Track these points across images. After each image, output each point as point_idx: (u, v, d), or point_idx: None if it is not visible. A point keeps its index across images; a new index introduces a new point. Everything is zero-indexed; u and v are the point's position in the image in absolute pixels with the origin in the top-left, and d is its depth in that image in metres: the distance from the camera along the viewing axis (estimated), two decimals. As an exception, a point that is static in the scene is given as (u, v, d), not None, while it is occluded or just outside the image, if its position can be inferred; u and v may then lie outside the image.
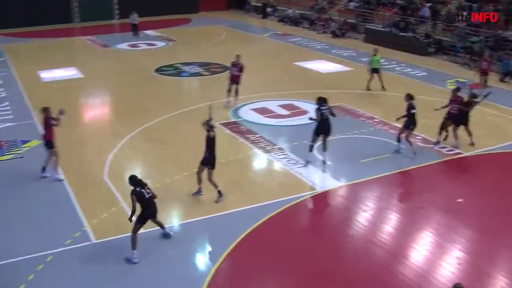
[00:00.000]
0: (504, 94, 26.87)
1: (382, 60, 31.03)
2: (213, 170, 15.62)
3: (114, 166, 18.19)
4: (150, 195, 13.01)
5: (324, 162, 17.95)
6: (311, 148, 18.05)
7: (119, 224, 14.17)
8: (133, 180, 13.04)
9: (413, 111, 18.29)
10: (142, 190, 12.91)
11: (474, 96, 19.85)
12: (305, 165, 17.91)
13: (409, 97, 18.59)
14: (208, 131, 15.51)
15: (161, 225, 13.70)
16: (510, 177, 17.85)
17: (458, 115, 19.49)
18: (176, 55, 36.32)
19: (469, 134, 19.67)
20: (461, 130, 19.53)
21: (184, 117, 22.54)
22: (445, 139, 19.91)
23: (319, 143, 18.18)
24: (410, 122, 18.43)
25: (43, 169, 17.42)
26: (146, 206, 12.99)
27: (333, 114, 17.92)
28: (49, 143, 17.24)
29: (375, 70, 27.06)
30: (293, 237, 14.07)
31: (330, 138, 18.09)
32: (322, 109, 17.68)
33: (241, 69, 24.00)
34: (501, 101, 24.95)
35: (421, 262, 12.92)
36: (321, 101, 17.85)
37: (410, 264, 12.76)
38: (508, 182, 17.46)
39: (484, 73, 27.52)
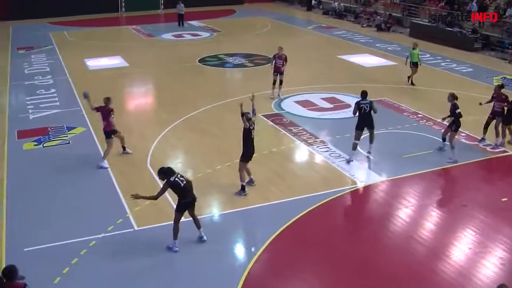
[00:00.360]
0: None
1: (428, 55, 30.83)
2: (243, 162, 15.57)
3: (157, 155, 18.38)
4: (185, 182, 12.90)
5: (368, 153, 17.98)
6: (354, 146, 17.77)
7: (161, 213, 14.35)
8: (163, 171, 12.92)
9: (458, 110, 17.77)
10: (176, 179, 12.80)
11: None
12: (347, 162, 17.81)
13: (453, 97, 18.10)
14: (243, 120, 15.36)
15: (197, 223, 13.33)
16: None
17: (503, 113, 19.17)
18: (220, 46, 36.47)
19: (511, 132, 19.41)
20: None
21: (227, 108, 22.61)
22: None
23: (364, 136, 18.04)
24: (454, 122, 17.97)
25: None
26: (183, 195, 12.89)
27: (373, 109, 17.50)
28: (107, 133, 17.54)
29: (414, 64, 26.85)
30: (333, 231, 14.10)
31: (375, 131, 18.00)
32: (361, 104, 17.46)
33: (285, 60, 24.05)
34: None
35: (463, 260, 12.79)
36: (362, 95, 17.62)
37: (451, 262, 12.63)
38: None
39: None
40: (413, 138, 19.84)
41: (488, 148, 19.11)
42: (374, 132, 17.94)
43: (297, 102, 23.78)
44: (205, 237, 13.32)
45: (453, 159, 17.93)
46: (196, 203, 13.16)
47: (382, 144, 19.05)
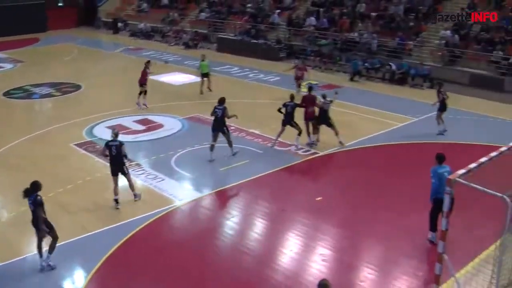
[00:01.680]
0: (354, 93, 27.97)
1: (236, 68, 31.63)
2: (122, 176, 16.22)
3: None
4: (30, 208, 12.70)
5: (234, 154, 19.43)
6: (211, 147, 19.26)
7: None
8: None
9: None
10: (28, 201, 12.71)
11: (324, 97, 20.62)
12: (210, 161, 19.13)
13: (290, 97, 20.30)
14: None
15: (39, 250, 12.94)
16: (364, 171, 18.59)
17: (318, 114, 20.46)
18: (25, 76, 34.70)
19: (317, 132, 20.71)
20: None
21: (38, 140, 21.72)
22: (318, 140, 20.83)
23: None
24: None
25: None
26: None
27: (226, 115, 19.04)
28: None
29: (205, 75, 28.32)
30: (158, 252, 13.78)
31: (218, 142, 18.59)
32: (216, 109, 19.10)
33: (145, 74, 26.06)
34: (351, 99, 25.96)
35: (288, 263, 13.11)
36: (219, 102, 19.28)
37: (278, 268, 12.89)
38: (362, 176, 18.17)
39: (298, 79, 28.60)
40: (228, 151, 20.08)
41: (300, 152, 19.86)
42: (229, 137, 19.41)
43: (110, 127, 23.14)
44: (51, 264, 12.93)
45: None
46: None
47: (199, 160, 19.30)
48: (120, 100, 27.71)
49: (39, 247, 12.88)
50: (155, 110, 25.47)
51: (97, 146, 20.79)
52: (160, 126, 22.93)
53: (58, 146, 21.08)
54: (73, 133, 22.16)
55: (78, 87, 30.84)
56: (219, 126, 19.15)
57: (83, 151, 20.38)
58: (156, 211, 15.73)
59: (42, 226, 12.65)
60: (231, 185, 17.44)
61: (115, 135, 16.03)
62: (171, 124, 23.41)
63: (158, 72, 30.81)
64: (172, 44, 45.42)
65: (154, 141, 21.37)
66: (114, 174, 16.07)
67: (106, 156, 16.17)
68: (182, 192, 17.10)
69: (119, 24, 53.84)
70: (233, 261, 13.45)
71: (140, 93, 25.99)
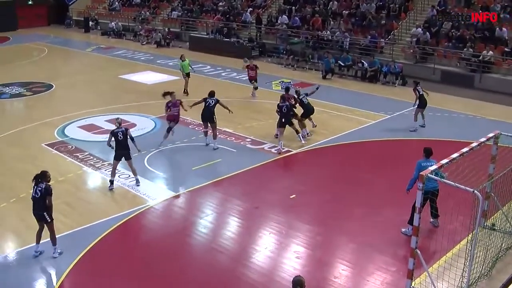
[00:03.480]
0: (327, 91, 28.02)
1: (208, 67, 31.64)
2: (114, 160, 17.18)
3: None
4: (33, 195, 13.11)
5: (214, 148, 20.09)
6: (205, 133, 20.61)
7: None
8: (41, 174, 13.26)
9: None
10: (35, 186, 13.08)
11: (298, 93, 21.25)
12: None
13: (281, 97, 20.42)
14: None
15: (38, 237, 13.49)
16: (338, 168, 18.73)
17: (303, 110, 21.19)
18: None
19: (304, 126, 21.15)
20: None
21: (8, 141, 21.42)
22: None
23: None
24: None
25: None
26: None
27: (221, 104, 20.32)
28: None
29: (188, 75, 28.39)
30: (132, 252, 13.69)
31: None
32: (207, 100, 20.18)
33: None
34: (324, 97, 26.03)
35: (262, 261, 13.08)
36: (209, 94, 20.42)
37: (253, 266, 12.86)
38: (336, 173, 18.32)
39: (252, 79, 27.77)
40: (201, 150, 20.10)
41: (273, 150, 19.88)
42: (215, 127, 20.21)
43: (81, 127, 23.07)
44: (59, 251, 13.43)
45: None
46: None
47: (172, 159, 19.29)
48: (91, 100, 27.51)
49: (39, 235, 13.40)
50: (127, 109, 25.29)
51: (69, 146, 20.63)
52: (133, 125, 22.73)
53: (29, 147, 20.85)
54: (45, 133, 21.97)
55: (49, 86, 30.52)
56: (210, 115, 20.04)
57: (55, 151, 20.18)
58: (129, 210, 15.62)
59: (47, 214, 13.14)
60: (204, 184, 17.35)
61: (119, 124, 17.05)
62: (144, 124, 23.29)
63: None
64: (144, 43, 45.24)
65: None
66: (118, 159, 17.09)
67: (111, 146, 17.18)
68: (155, 192, 16.99)
69: (90, 23, 53.51)
70: (207, 260, 13.36)
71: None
